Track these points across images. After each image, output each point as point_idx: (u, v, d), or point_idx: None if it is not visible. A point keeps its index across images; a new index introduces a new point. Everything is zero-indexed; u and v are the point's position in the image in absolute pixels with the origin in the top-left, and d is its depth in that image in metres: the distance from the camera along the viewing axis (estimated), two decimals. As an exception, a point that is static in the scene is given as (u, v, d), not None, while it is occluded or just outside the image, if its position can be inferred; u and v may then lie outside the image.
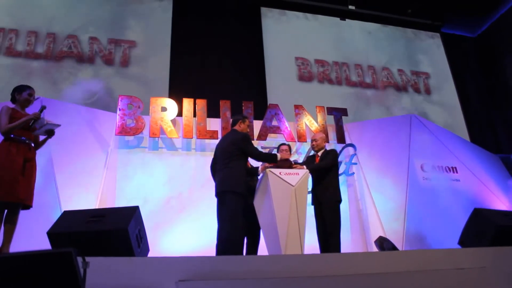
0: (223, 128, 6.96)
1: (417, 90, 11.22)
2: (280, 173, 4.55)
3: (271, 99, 9.14)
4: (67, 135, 5.63)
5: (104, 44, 8.84)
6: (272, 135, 7.36)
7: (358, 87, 10.63)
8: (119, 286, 2.84)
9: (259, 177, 4.99)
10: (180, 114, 7.05)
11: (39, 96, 5.24)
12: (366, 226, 7.00)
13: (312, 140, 5.73)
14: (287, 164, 4.94)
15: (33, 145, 4.20)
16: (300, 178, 4.57)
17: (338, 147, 7.49)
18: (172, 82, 8.95)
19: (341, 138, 7.58)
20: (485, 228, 4.66)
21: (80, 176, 5.93)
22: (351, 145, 7.52)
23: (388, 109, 10.41)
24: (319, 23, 11.22)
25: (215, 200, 4.64)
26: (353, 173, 7.35)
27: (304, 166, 5.04)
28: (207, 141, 6.99)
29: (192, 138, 6.95)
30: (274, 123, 7.41)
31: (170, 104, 7.02)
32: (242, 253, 4.71)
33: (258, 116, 7.43)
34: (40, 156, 4.42)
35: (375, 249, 5.91)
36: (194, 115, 7.04)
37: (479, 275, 3.57)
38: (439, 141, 7.92)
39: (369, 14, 11.63)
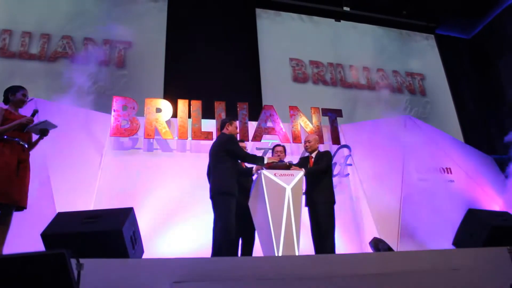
0: (218, 130, 6.96)
1: (412, 91, 11.26)
2: (275, 174, 4.55)
3: (266, 100, 9.14)
4: (61, 136, 5.60)
5: (99, 45, 8.82)
6: (267, 136, 7.36)
7: (353, 88, 10.65)
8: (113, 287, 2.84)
9: (253, 178, 4.99)
10: (175, 115, 7.04)
11: (33, 98, 5.22)
12: (361, 227, 7.01)
13: (306, 142, 5.74)
14: (282, 165, 4.94)
15: (26, 146, 4.17)
16: (294, 179, 4.58)
17: (333, 148, 7.51)
18: (167, 83, 8.93)
19: (335, 139, 7.59)
20: (479, 228, 4.68)
21: (74, 177, 5.91)
22: (346, 146, 7.53)
23: (383, 110, 10.43)
24: (314, 24, 11.24)
25: (210, 201, 4.69)
26: (348, 174, 7.36)
27: (303, 169, 5.04)
28: (202, 142, 6.98)
29: (187, 139, 6.94)
30: (269, 124, 7.41)
31: (165, 105, 7.01)
32: (236, 253, 4.72)
33: (253, 117, 7.43)
34: (34, 157, 4.39)
35: (369, 250, 5.92)
36: (189, 116, 7.04)
37: (473, 276, 3.59)
38: (433, 142, 7.95)
39: (364, 16, 11.66)
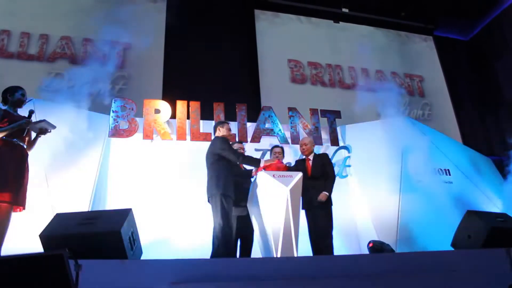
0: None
1: (410, 93, 11.27)
2: (273, 175, 4.55)
3: (264, 101, 9.14)
4: (59, 137, 5.60)
5: (97, 45, 8.80)
6: (266, 137, 7.35)
7: (351, 90, 10.66)
8: (112, 288, 2.83)
9: (252, 180, 5.00)
10: (173, 116, 7.03)
11: (32, 98, 5.20)
12: (359, 228, 7.01)
13: (301, 145, 5.74)
14: (281, 167, 4.95)
15: (25, 146, 4.17)
16: (293, 181, 4.57)
17: (332, 149, 7.51)
18: (166, 84, 8.93)
19: (334, 141, 7.58)
20: (477, 230, 4.68)
21: (73, 178, 5.89)
22: (345, 147, 7.53)
23: (381, 111, 10.42)
24: (312, 25, 11.25)
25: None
26: (347, 175, 7.36)
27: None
28: (200, 143, 6.96)
29: (185, 140, 6.93)
30: (268, 125, 7.41)
31: (164, 106, 7.00)
32: (233, 254, 4.73)
33: (252, 118, 7.43)
34: (33, 158, 4.39)
35: (367, 251, 5.91)
36: (188, 117, 7.02)
37: (471, 277, 3.59)
38: (432, 143, 7.95)
39: (362, 17, 11.68)
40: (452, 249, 5.05)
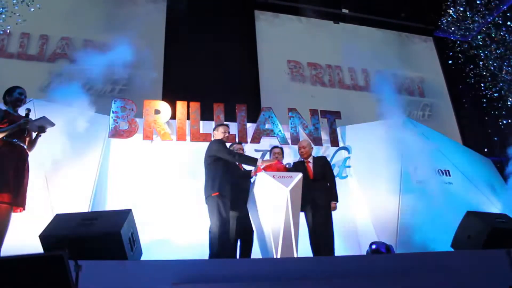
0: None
1: (410, 93, 11.27)
2: (273, 176, 4.55)
3: (264, 102, 9.14)
4: (59, 137, 5.60)
5: (97, 46, 8.80)
6: (266, 138, 7.35)
7: (351, 90, 10.66)
8: (112, 289, 2.83)
9: (252, 180, 5.00)
10: (173, 117, 7.03)
11: (31, 98, 5.20)
12: (359, 229, 7.01)
13: (300, 148, 5.74)
14: (281, 167, 4.95)
15: (25, 147, 4.17)
16: (293, 181, 4.57)
17: (332, 150, 7.51)
18: (166, 85, 8.92)
19: (334, 141, 7.58)
20: (477, 231, 4.68)
21: (73, 179, 5.89)
22: (345, 148, 7.53)
23: (381, 112, 10.42)
24: (312, 26, 11.24)
25: (209, 203, 4.76)
26: (346, 176, 7.36)
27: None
28: (200, 144, 6.96)
29: (185, 141, 6.93)
30: (268, 126, 7.40)
31: (164, 107, 7.00)
32: (233, 254, 4.74)
33: (252, 119, 7.43)
34: (33, 158, 4.38)
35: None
36: (188, 118, 7.02)
37: (471, 278, 3.59)
38: (432, 144, 7.95)
39: (362, 18, 11.68)
40: (452, 249, 5.05)
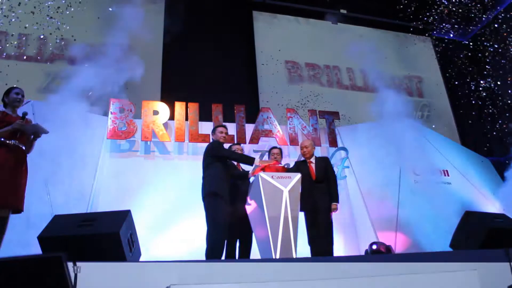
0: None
1: (409, 94, 11.27)
2: (272, 176, 4.55)
3: (263, 102, 9.14)
4: (58, 138, 5.59)
5: (96, 46, 8.78)
6: (264, 138, 7.36)
7: (349, 91, 10.66)
8: (110, 290, 2.83)
9: (250, 181, 5.00)
10: (172, 117, 7.03)
11: (30, 100, 5.20)
12: (358, 229, 7.02)
13: (302, 147, 5.73)
14: (280, 168, 4.95)
15: (23, 148, 4.16)
16: (292, 182, 4.57)
17: (330, 150, 7.51)
18: (164, 86, 8.92)
19: (333, 142, 7.59)
20: (476, 230, 4.68)
21: (71, 180, 5.89)
22: (343, 148, 7.54)
23: (380, 112, 10.43)
24: (310, 26, 11.25)
25: (207, 204, 4.78)
26: (345, 176, 7.36)
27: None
28: (199, 144, 6.97)
29: (184, 141, 6.93)
30: (266, 126, 7.41)
31: (162, 108, 7.01)
32: (222, 253, 4.74)
33: (250, 120, 7.43)
34: (31, 159, 4.37)
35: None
36: (186, 119, 7.04)
37: (470, 278, 3.59)
38: (431, 144, 7.96)
39: (360, 18, 11.68)
40: (451, 249, 5.05)
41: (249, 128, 7.33)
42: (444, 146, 8.21)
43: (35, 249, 3.40)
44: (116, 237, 3.36)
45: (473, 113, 11.70)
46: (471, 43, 12.44)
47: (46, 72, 8.20)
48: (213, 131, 5.25)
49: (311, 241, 5.26)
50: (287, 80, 10.24)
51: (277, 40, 10.59)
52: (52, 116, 5.82)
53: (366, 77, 10.94)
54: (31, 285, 2.06)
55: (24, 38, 8.40)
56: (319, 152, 7.41)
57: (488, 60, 11.73)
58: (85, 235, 3.42)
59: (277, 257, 4.19)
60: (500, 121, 10.93)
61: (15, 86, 4.34)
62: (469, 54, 12.39)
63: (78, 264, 2.21)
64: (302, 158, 5.81)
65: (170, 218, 6.28)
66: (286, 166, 5.28)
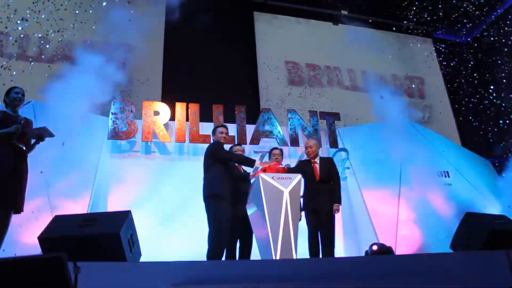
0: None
1: (410, 95, 11.26)
2: (272, 177, 4.55)
3: (263, 103, 9.14)
4: (58, 139, 5.58)
5: (97, 47, 8.78)
6: (265, 139, 7.36)
7: (350, 91, 10.66)
8: (111, 291, 2.83)
9: (251, 182, 5.00)
10: (172, 118, 7.03)
11: (31, 100, 5.21)
12: (359, 230, 7.01)
13: (307, 147, 5.72)
14: (280, 168, 4.95)
15: (24, 148, 4.16)
16: (292, 183, 4.57)
17: (331, 151, 7.51)
18: (165, 86, 8.92)
19: (333, 143, 7.59)
20: (476, 232, 4.67)
21: (71, 180, 5.89)
22: (343, 149, 7.53)
23: (380, 113, 10.42)
24: (311, 27, 11.25)
25: (207, 204, 4.78)
26: (346, 177, 7.36)
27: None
28: (200, 145, 6.97)
29: (184, 142, 6.93)
30: (267, 127, 7.41)
31: (163, 108, 7.01)
32: (223, 255, 4.75)
33: (251, 120, 7.43)
34: (31, 160, 4.38)
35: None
36: (187, 119, 7.04)
37: (470, 279, 3.59)
38: (431, 145, 7.95)
39: (361, 19, 11.67)
40: (451, 251, 5.05)
41: (250, 129, 7.33)
42: (445, 147, 8.21)
43: (36, 250, 3.40)
44: (116, 238, 3.36)
45: (474, 114, 11.69)
46: (472, 44, 12.43)
47: (47, 72, 8.20)
48: (213, 131, 5.25)
49: (310, 241, 5.25)
50: (288, 81, 10.23)
51: (278, 40, 10.59)
52: (52, 117, 5.82)
53: (367, 78, 10.92)
54: (31, 286, 2.05)
55: (25, 38, 8.40)
56: (319, 153, 7.40)
57: (489, 61, 11.72)
58: (85, 235, 3.42)
59: (277, 257, 4.19)
60: (501, 122, 10.92)
61: (15, 86, 4.35)
62: (470, 55, 12.38)
63: (79, 264, 2.20)
64: (304, 158, 5.81)
65: (170, 219, 6.28)
66: (286, 167, 5.28)
